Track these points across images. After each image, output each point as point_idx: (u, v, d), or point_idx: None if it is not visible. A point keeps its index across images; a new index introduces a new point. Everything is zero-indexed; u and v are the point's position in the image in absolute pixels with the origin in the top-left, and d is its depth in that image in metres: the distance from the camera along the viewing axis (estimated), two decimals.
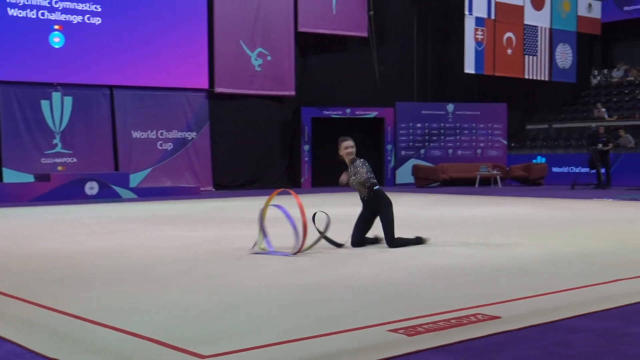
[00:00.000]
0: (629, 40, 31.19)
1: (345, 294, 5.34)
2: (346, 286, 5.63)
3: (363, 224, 8.01)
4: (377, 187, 7.93)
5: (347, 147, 7.92)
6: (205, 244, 8.42)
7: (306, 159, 22.75)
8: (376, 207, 7.91)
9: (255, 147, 22.37)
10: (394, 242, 7.80)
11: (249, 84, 22.15)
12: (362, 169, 7.84)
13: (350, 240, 8.00)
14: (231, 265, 6.77)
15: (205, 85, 21.53)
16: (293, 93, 22.92)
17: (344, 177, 8.01)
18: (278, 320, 4.51)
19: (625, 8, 30.16)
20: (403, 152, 23.96)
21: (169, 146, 20.99)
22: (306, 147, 22.76)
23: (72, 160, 19.46)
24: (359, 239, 7.97)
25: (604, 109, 26.70)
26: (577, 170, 22.04)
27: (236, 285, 5.75)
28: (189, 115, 21.35)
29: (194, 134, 21.39)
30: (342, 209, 13.59)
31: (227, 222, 11.17)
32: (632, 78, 29.04)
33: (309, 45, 23.50)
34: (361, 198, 8.03)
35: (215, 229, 10.23)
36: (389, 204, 7.89)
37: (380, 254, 7.43)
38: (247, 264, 6.86)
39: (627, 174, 21.57)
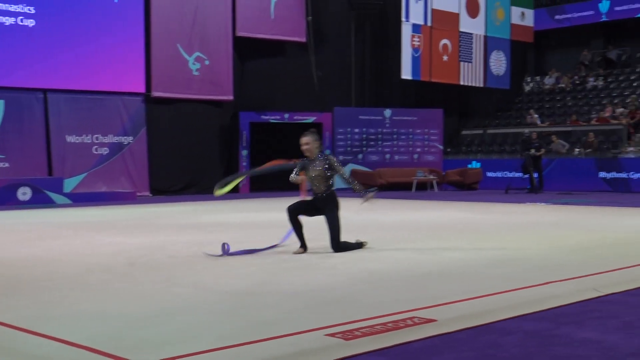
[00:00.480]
0: (560, 48, 32.02)
1: (282, 299, 5.34)
2: (283, 291, 5.64)
3: (303, 210, 7.99)
4: (334, 187, 8.02)
5: (302, 144, 7.98)
6: (141, 250, 8.32)
7: (244, 164, 22.67)
8: (324, 206, 7.93)
9: (192, 152, 22.20)
10: (340, 245, 7.83)
11: (186, 88, 21.98)
12: (326, 170, 7.89)
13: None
14: (167, 271, 6.71)
15: (142, 89, 21.29)
16: (231, 98, 22.82)
17: (298, 178, 7.95)
18: (215, 326, 4.49)
19: (557, 17, 30.95)
20: (341, 157, 24.06)
21: (104, 151, 20.67)
22: (244, 152, 22.68)
23: (4, 165, 19.00)
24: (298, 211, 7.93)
25: (536, 115, 27.30)
26: (511, 175, 22.49)
27: (172, 291, 5.70)
28: (125, 119, 21.07)
29: (130, 139, 21.11)
30: (279, 215, 13.60)
31: (163, 228, 11.06)
32: (563, 85, 29.76)
33: (247, 50, 23.45)
34: (314, 195, 8.02)
35: (151, 234, 10.11)
36: (338, 207, 7.98)
37: (317, 259, 7.45)
38: (183, 269, 6.81)
39: (559, 179, 22.10)
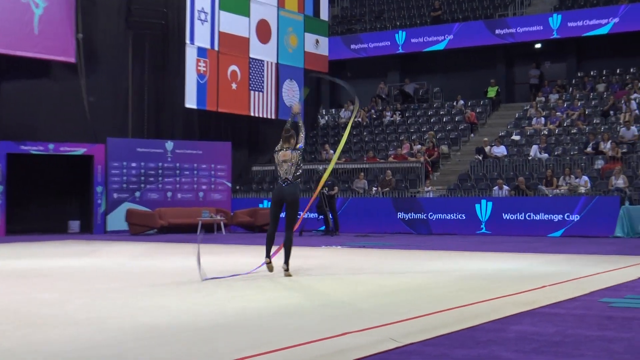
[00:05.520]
0: (356, 79, 33.40)
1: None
2: (40, 351, 5.29)
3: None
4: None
5: (287, 131, 11.00)
6: None
7: (0, 202, 21.50)
8: (289, 198, 10.08)
9: None
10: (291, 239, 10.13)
11: None
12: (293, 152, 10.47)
13: None
14: None
15: None
16: None
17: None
18: None
19: (353, 46, 32.33)
20: (115, 195, 23.48)
21: None
22: (0, 188, 21.55)
23: None
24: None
25: (332, 151, 28.14)
26: (305, 216, 22.93)
27: None
28: None
29: None
30: (40, 261, 12.97)
31: None
32: (359, 119, 30.89)
33: (4, 69, 22.44)
34: (281, 181, 10.17)
35: None
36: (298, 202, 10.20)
37: (83, 309, 7.12)
38: None
39: (356, 220, 22.85)
